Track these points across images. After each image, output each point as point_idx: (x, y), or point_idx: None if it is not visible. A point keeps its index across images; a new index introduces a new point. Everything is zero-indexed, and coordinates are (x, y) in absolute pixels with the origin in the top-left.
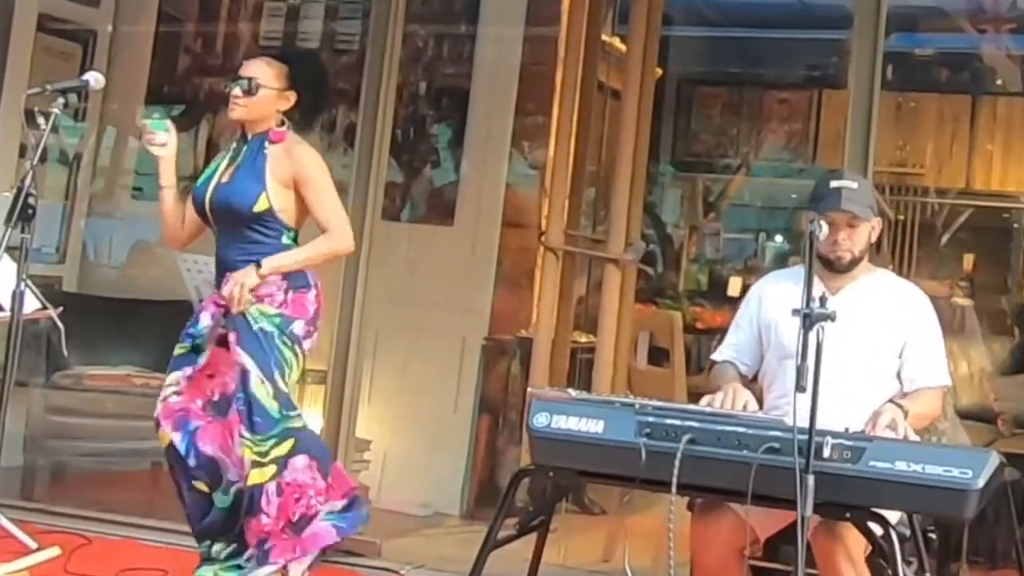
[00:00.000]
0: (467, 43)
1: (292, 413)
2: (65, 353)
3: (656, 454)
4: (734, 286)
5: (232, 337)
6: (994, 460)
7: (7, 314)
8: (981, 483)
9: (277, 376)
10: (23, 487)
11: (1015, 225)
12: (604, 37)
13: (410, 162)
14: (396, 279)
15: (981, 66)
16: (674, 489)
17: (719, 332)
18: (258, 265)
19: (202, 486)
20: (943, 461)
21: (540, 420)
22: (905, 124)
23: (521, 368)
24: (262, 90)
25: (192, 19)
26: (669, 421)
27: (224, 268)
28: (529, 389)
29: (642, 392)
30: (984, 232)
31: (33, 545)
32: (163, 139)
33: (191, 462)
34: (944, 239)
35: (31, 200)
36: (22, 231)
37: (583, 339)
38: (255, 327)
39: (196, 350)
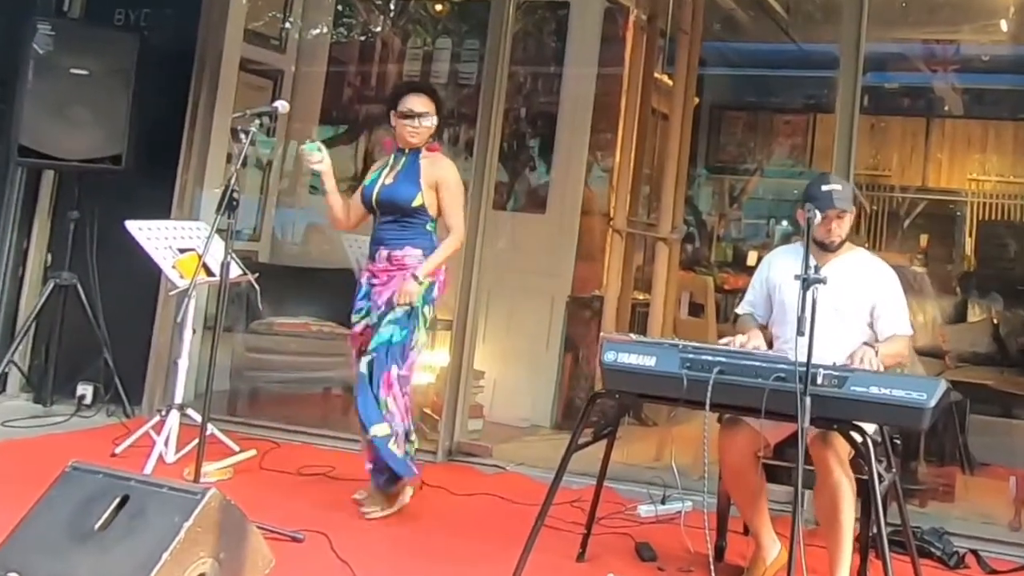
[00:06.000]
0: (555, 79)
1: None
2: (260, 307)
3: (694, 381)
4: (752, 258)
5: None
6: (943, 386)
7: (217, 279)
8: (933, 403)
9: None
10: (229, 405)
11: (958, 213)
12: (656, 74)
13: (513, 167)
14: (503, 253)
15: (933, 96)
16: (707, 407)
17: (741, 292)
18: (415, 277)
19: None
20: (905, 386)
21: (609, 356)
22: (877, 139)
23: (595, 318)
24: (430, 119)
25: (353, 61)
26: (704, 357)
27: (380, 244)
28: (601, 334)
29: (684, 336)
30: (935, 218)
31: (236, 448)
32: (318, 158)
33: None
34: (906, 224)
35: (235, 195)
36: (228, 217)
37: (640, 297)
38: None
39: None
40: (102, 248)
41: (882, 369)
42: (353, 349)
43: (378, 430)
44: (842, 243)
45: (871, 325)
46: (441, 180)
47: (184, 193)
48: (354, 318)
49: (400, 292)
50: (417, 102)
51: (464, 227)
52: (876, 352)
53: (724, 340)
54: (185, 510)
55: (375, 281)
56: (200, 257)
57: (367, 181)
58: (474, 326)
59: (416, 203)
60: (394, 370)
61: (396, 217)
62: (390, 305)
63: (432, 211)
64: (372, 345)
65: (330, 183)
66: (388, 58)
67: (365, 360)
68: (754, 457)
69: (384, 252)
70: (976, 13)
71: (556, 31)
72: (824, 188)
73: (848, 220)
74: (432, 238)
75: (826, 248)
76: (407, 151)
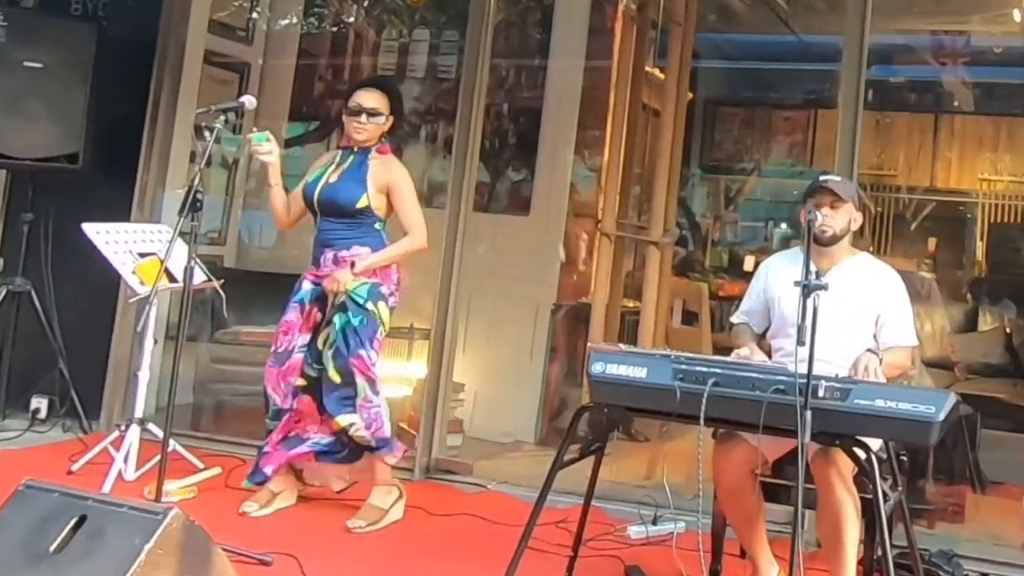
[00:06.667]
0: (540, 73)
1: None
2: (225, 315)
3: (688, 394)
4: (749, 263)
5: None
6: (952, 399)
7: (180, 285)
8: (942, 417)
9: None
10: (192, 420)
11: (968, 216)
12: (647, 68)
13: (495, 166)
14: (484, 258)
15: (942, 91)
16: (702, 422)
17: (737, 299)
18: (352, 265)
19: None
20: (912, 399)
21: (597, 367)
22: (882, 136)
23: (582, 327)
24: (380, 117)
25: (325, 54)
26: (698, 368)
27: (325, 247)
28: (588, 344)
29: (677, 346)
30: (944, 221)
31: (200, 465)
32: (267, 148)
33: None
34: (912, 226)
35: (199, 195)
36: (192, 220)
37: (630, 304)
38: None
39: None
40: (57, 252)
41: (882, 379)
42: (282, 344)
43: (345, 420)
44: (837, 239)
45: (874, 335)
46: (393, 185)
47: (145, 194)
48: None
49: (330, 278)
50: (366, 97)
51: (424, 229)
52: (880, 360)
53: (733, 355)
54: (146, 531)
55: (319, 289)
56: (162, 262)
57: (310, 178)
58: (453, 335)
59: (360, 204)
60: (363, 353)
61: (340, 218)
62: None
63: (380, 213)
64: (330, 340)
65: (276, 177)
66: (362, 50)
67: (328, 356)
68: (751, 475)
69: (330, 254)
70: (987, 3)
71: (541, 21)
72: (821, 178)
73: (843, 213)
74: (382, 237)
75: (819, 242)
76: (356, 149)
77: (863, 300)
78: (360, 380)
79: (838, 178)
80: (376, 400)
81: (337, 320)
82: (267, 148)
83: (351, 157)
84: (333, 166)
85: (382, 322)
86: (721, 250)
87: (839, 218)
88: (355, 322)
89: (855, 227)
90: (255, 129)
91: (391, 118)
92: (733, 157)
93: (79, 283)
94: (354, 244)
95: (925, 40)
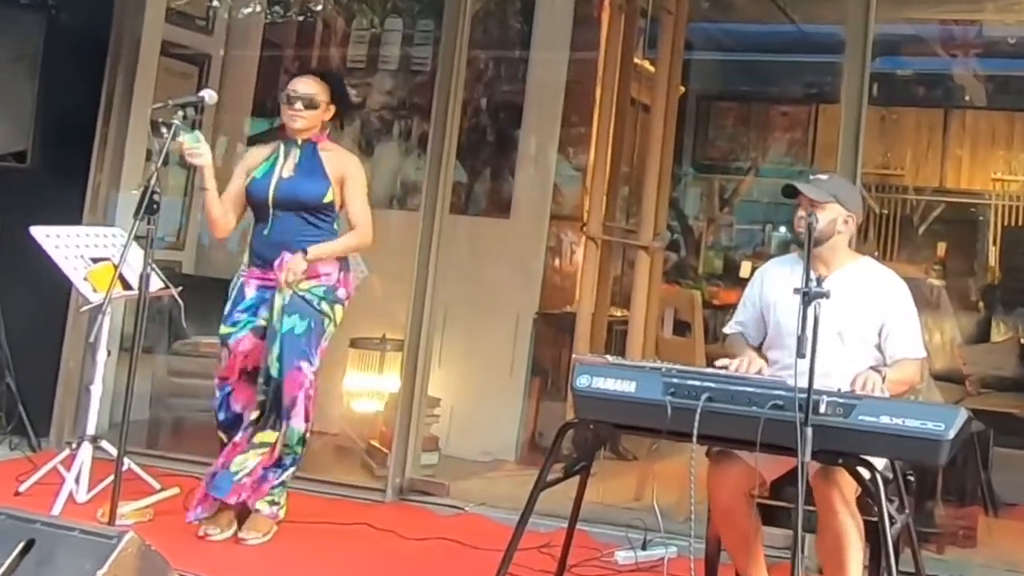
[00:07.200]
0: (521, 65)
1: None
2: (184, 325)
3: (679, 410)
4: (745, 269)
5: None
6: (963, 415)
7: (135, 292)
8: (952, 434)
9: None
10: (149, 437)
11: (980, 218)
12: (636, 60)
13: (473, 166)
14: (462, 263)
15: (952, 84)
16: (695, 439)
17: (732, 308)
18: (305, 252)
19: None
20: (920, 416)
21: (582, 381)
22: (888, 133)
23: (566, 338)
24: (317, 105)
25: (290, 45)
26: (690, 382)
27: (279, 247)
28: (573, 355)
29: (668, 358)
30: (954, 224)
31: (157, 486)
32: (200, 149)
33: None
34: (920, 230)
35: (155, 197)
36: (148, 223)
37: (618, 313)
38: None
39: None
40: (3, 258)
41: (887, 393)
42: (232, 368)
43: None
44: (819, 242)
45: (879, 347)
46: (348, 175)
47: (98, 195)
48: (230, 330)
49: (283, 267)
50: (299, 84)
51: (371, 226)
52: (883, 377)
53: (722, 362)
54: (99, 556)
55: (269, 293)
56: (116, 268)
57: (256, 174)
58: (428, 347)
59: (327, 199)
60: (305, 367)
61: (299, 216)
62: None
63: (339, 208)
64: (275, 346)
65: (211, 180)
66: (330, 41)
67: (274, 362)
68: (747, 496)
69: (288, 257)
70: None
71: (522, 10)
72: (811, 177)
73: (826, 214)
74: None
75: (799, 243)
76: (300, 142)
77: (865, 308)
78: (296, 394)
79: (824, 176)
80: (302, 418)
81: (286, 324)
82: (200, 150)
83: (296, 150)
84: (281, 159)
85: (334, 324)
86: (715, 255)
87: (821, 221)
88: (299, 329)
89: (843, 228)
90: (184, 131)
91: (331, 106)
92: (728, 155)
93: (27, 291)
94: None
95: (934, 30)
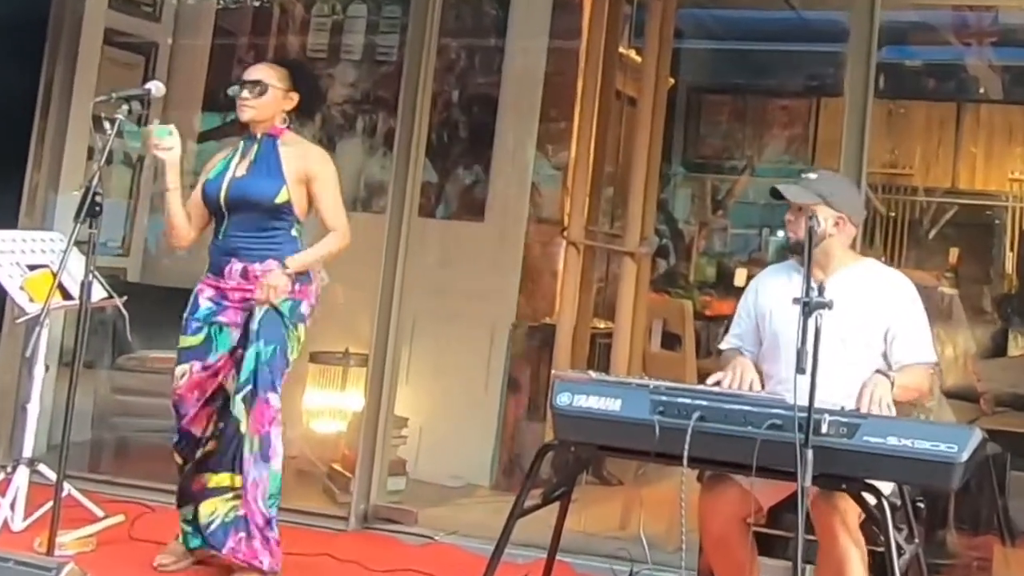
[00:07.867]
0: (496, 55)
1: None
2: (129, 338)
3: (669, 430)
4: (740, 277)
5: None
6: (977, 436)
7: (76, 302)
8: (965, 457)
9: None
10: (91, 460)
11: (996, 222)
12: (621, 49)
13: (444, 164)
14: (432, 271)
15: (965, 76)
16: (685, 462)
17: (726, 319)
18: (283, 264)
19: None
20: (931, 436)
21: (563, 399)
22: (896, 129)
23: (545, 352)
24: (269, 91)
25: (245, 33)
26: (680, 400)
27: (231, 254)
28: (552, 371)
29: (656, 374)
30: (968, 228)
31: (100, 513)
32: (169, 143)
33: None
34: (931, 234)
35: (98, 198)
36: (90, 227)
37: (602, 325)
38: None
39: (205, 338)
40: None
41: (892, 409)
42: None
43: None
44: (799, 244)
45: (884, 354)
46: (314, 174)
47: (34, 196)
48: (187, 341)
49: (261, 285)
50: (251, 71)
51: (347, 224)
52: (893, 383)
53: (712, 378)
54: None
55: (224, 303)
56: (55, 276)
57: (211, 175)
58: (395, 362)
59: (280, 199)
60: (272, 398)
61: (252, 219)
62: (246, 331)
63: (299, 210)
64: (242, 378)
65: (174, 178)
66: (288, 28)
67: (239, 400)
68: (742, 524)
69: (238, 266)
70: None
71: None
72: (802, 176)
73: (821, 216)
74: (299, 245)
75: (792, 251)
76: (259, 136)
77: (868, 312)
78: (265, 430)
79: (813, 175)
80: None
81: (251, 352)
82: (169, 143)
83: (255, 146)
84: (237, 157)
85: (296, 348)
86: (707, 262)
87: (804, 223)
88: (265, 355)
89: (834, 230)
90: (156, 121)
91: (291, 94)
92: (722, 153)
93: None
94: (269, 256)
95: (945, 16)
